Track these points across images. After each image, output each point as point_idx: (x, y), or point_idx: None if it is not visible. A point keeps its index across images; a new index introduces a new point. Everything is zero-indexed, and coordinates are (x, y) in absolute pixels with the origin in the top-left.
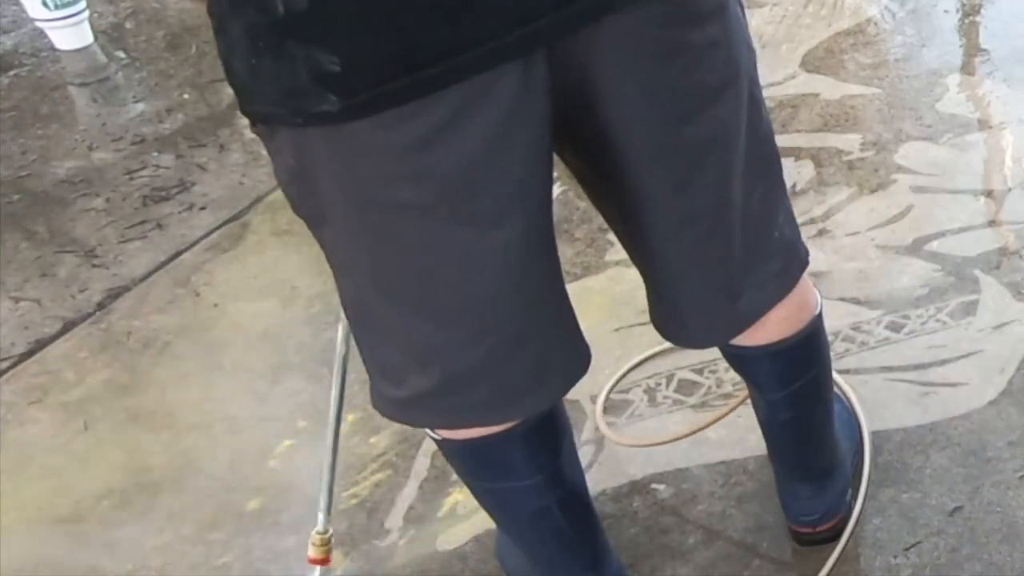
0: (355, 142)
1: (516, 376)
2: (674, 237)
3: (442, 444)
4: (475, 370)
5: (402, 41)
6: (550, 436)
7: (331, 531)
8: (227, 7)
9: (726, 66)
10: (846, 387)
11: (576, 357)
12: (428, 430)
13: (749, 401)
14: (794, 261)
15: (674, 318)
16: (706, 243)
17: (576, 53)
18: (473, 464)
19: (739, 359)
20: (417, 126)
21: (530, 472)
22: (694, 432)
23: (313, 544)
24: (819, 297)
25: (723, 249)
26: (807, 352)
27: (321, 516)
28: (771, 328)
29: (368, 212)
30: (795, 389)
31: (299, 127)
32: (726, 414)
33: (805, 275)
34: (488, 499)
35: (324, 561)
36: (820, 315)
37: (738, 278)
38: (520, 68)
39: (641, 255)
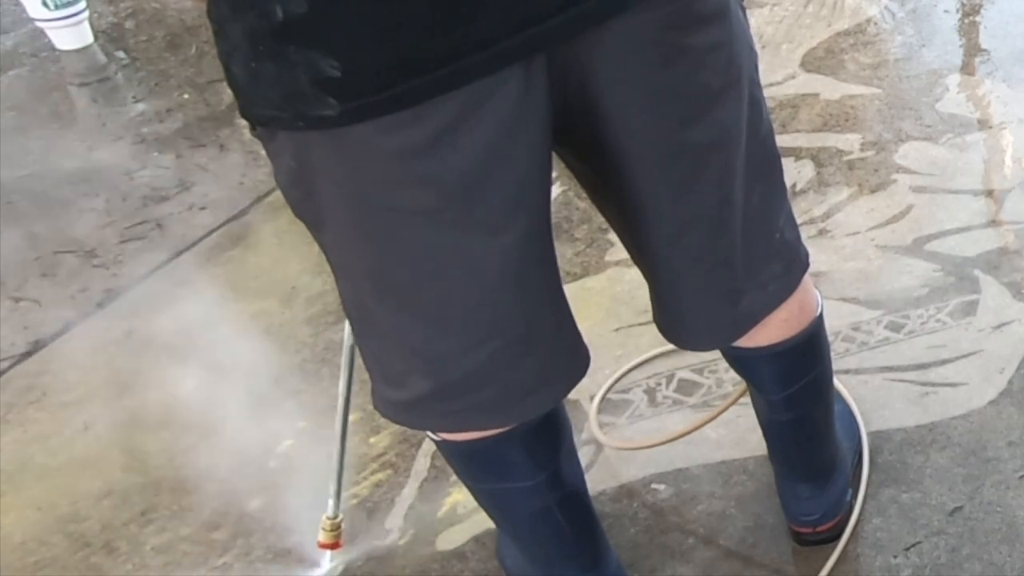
0: (356, 146)
1: (517, 380)
2: (676, 240)
3: (441, 445)
4: (476, 374)
5: (402, 45)
6: (550, 437)
7: (341, 516)
8: (227, 11)
9: (728, 69)
10: (843, 389)
11: (576, 360)
12: (428, 431)
13: (741, 402)
14: (795, 263)
15: (676, 320)
16: (708, 246)
17: (577, 56)
18: (473, 465)
19: (740, 360)
20: (418, 131)
21: (530, 473)
22: (684, 434)
23: (323, 529)
24: (820, 298)
25: (725, 252)
26: (808, 353)
27: (331, 502)
28: (772, 329)
29: (369, 216)
30: (796, 390)
31: (299, 130)
32: (715, 416)
33: (806, 276)
34: (488, 500)
35: (334, 545)
36: (821, 316)
37: (740, 280)
38: (521, 72)
39: (643, 257)
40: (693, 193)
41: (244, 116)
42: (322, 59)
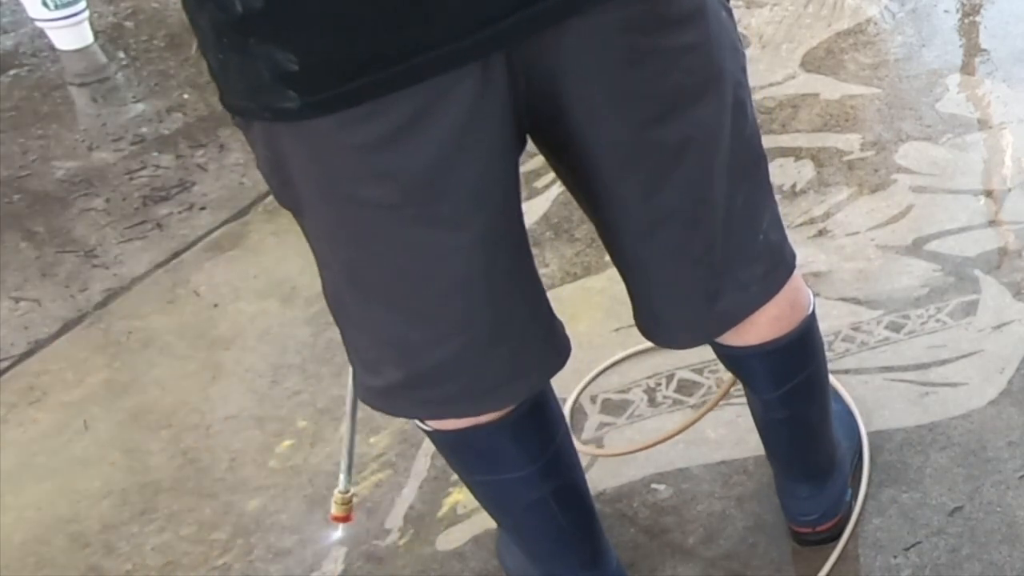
0: (319, 139)
1: (489, 371)
2: (647, 238)
3: (432, 435)
4: (446, 365)
5: (357, 42)
6: (539, 427)
7: (352, 491)
8: (192, 4)
9: (705, 70)
10: (842, 389)
11: (553, 350)
12: (417, 421)
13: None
14: (780, 265)
15: (652, 318)
16: (680, 245)
17: (539, 55)
18: (462, 455)
19: (733, 359)
20: (376, 127)
21: (521, 463)
22: (673, 436)
23: (336, 503)
24: (812, 296)
25: (699, 251)
26: (800, 351)
27: (342, 476)
28: (762, 328)
29: (338, 207)
30: (789, 388)
31: (268, 121)
32: (702, 415)
33: (797, 275)
34: (482, 492)
35: (346, 518)
36: (813, 314)
37: (718, 280)
38: (479, 71)
39: (617, 254)
40: (663, 192)
41: (223, 105)
42: (280, 53)
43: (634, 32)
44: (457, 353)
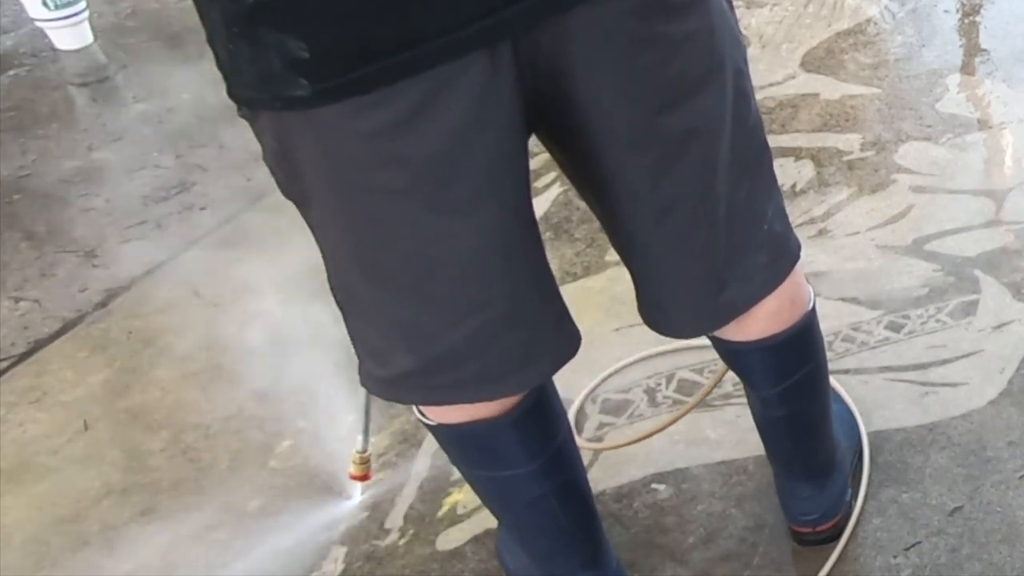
0: (329, 127)
1: (501, 357)
2: (652, 228)
3: (435, 430)
4: (458, 351)
5: (365, 30)
6: (542, 424)
7: (370, 450)
8: None
9: (707, 58)
10: (841, 389)
11: (563, 338)
12: (420, 416)
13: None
14: (785, 255)
15: (656, 307)
16: (686, 234)
17: (545, 43)
18: (465, 451)
19: (732, 354)
20: (384, 113)
21: (523, 460)
22: (667, 426)
23: (353, 462)
24: (812, 293)
25: (704, 241)
26: (800, 347)
27: (360, 437)
28: (762, 322)
29: (348, 195)
30: (789, 385)
31: (278, 111)
32: (686, 412)
33: (798, 270)
34: (483, 488)
35: (364, 477)
36: (813, 310)
37: (722, 270)
38: (486, 58)
39: (622, 245)
40: (669, 181)
41: (230, 97)
42: (291, 41)
43: (638, 18)
44: (470, 336)
